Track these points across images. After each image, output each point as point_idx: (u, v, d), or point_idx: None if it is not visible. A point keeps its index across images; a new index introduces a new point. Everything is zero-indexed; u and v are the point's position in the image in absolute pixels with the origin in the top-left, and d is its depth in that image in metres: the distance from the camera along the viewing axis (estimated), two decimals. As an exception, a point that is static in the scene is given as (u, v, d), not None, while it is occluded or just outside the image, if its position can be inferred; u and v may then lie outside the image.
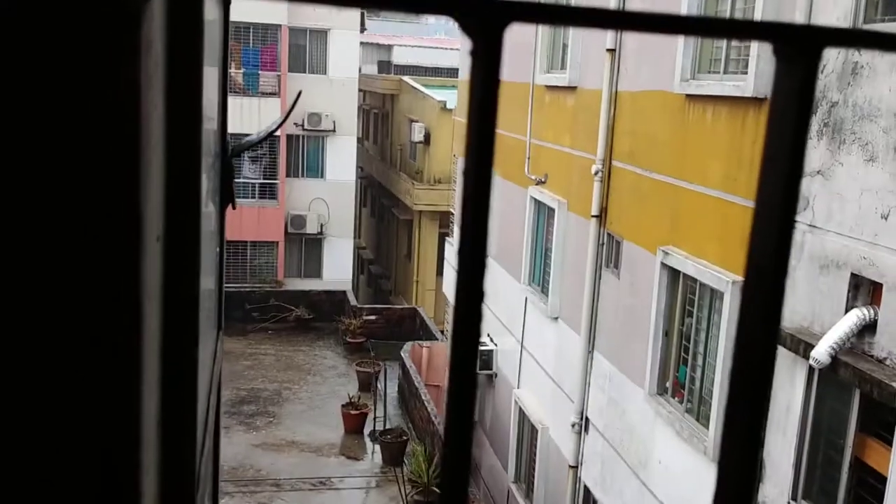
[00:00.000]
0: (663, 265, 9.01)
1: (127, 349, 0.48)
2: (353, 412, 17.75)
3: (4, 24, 0.44)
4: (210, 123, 1.30)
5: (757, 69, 7.44)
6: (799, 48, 0.40)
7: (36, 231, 0.45)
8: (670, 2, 9.01)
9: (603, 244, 10.62)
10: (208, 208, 1.29)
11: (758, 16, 7.43)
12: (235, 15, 23.99)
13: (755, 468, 0.46)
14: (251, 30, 24.98)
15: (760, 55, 7.40)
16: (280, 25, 25.08)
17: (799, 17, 6.88)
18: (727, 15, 8.23)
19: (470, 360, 0.44)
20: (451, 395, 0.43)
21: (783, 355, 6.86)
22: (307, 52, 25.97)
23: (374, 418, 17.61)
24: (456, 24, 0.43)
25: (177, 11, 0.68)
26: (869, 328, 5.98)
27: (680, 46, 8.74)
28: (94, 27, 0.42)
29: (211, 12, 1.21)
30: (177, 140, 0.68)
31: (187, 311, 0.81)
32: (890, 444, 5.83)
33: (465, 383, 0.43)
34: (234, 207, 1.56)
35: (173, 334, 0.72)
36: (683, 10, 8.67)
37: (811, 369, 6.45)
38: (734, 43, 8.20)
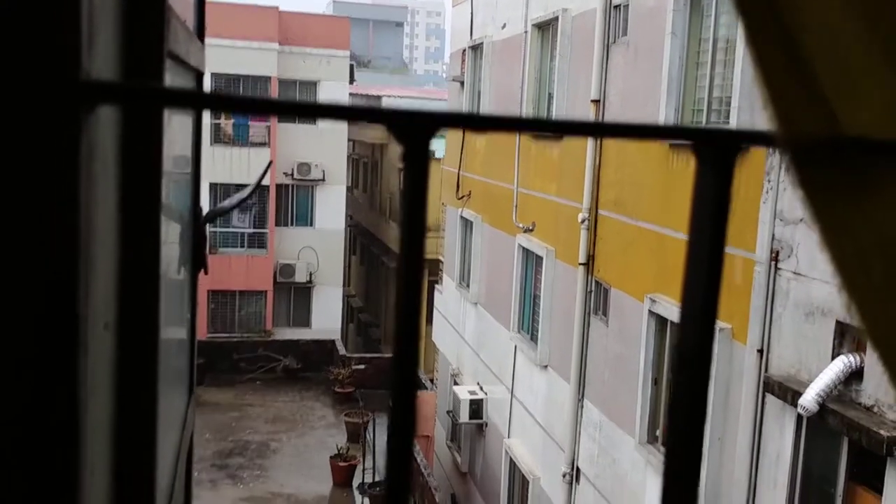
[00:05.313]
0: (651, 313, 9.02)
1: (67, 450, 0.48)
2: (341, 464, 17.53)
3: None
4: (181, 194, 1.31)
5: (738, 119, 7.54)
6: (716, 149, 0.42)
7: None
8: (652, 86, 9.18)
9: (591, 292, 10.64)
10: (180, 275, 1.30)
11: (736, 83, 7.53)
12: (227, 66, 24.25)
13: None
14: (241, 81, 25.23)
15: (741, 106, 7.51)
16: (270, 77, 25.35)
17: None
18: (707, 78, 8.34)
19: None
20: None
21: (772, 403, 6.84)
22: (297, 102, 26.15)
23: (364, 470, 17.38)
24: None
25: (133, 115, 0.69)
26: (855, 375, 5.98)
27: (663, 96, 8.87)
28: (32, 134, 0.43)
29: (184, 83, 1.23)
30: (134, 229, 0.69)
31: (145, 403, 0.81)
32: (880, 493, 5.79)
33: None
34: (206, 273, 1.56)
35: (128, 432, 0.71)
36: (664, 86, 8.82)
37: (800, 417, 6.43)
38: (716, 94, 8.34)
